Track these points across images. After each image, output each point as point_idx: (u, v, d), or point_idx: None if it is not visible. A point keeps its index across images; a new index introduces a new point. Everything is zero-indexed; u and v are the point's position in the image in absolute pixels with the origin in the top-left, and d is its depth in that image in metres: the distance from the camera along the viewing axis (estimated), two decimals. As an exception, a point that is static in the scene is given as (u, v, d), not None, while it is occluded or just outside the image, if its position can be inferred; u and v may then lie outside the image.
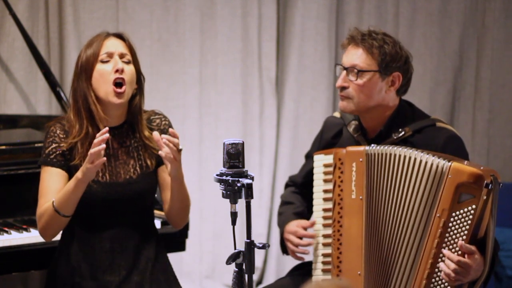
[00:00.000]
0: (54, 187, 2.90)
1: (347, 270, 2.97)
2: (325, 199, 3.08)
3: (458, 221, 2.78)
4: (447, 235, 2.80)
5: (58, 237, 3.02)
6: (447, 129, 3.07)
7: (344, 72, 3.05)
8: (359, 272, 2.96)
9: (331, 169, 3.05)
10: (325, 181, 3.08)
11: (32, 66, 4.34)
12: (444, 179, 2.79)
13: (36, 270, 3.43)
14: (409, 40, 5.06)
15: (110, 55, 2.92)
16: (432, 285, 2.83)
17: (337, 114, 3.25)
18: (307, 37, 5.00)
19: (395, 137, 3.04)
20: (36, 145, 3.51)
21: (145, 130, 2.99)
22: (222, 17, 4.89)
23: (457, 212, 2.78)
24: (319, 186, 3.10)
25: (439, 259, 2.80)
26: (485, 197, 2.74)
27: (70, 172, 2.92)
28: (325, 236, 3.07)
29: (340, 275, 2.97)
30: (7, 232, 3.27)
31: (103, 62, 2.91)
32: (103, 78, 2.89)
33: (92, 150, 2.76)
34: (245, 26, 4.94)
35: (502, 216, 2.90)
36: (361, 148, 3.00)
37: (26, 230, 3.29)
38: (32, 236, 3.26)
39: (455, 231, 2.79)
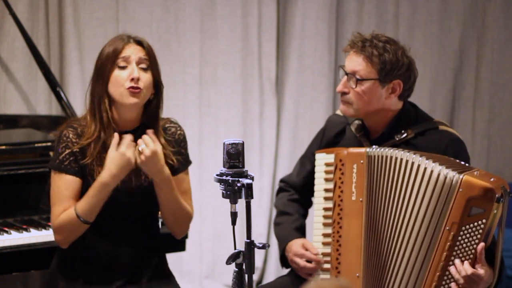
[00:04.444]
0: (69, 194, 2.91)
1: (346, 271, 2.97)
2: (326, 198, 3.07)
3: (468, 235, 2.77)
4: (456, 248, 2.78)
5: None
6: (450, 132, 3.07)
7: (346, 77, 3.05)
8: (357, 274, 2.96)
9: (332, 168, 3.05)
10: (326, 180, 3.08)
11: (32, 66, 4.34)
12: (455, 192, 2.77)
13: (36, 270, 3.42)
14: (409, 40, 5.05)
15: (127, 60, 2.89)
16: None
17: (340, 112, 3.23)
18: (307, 37, 5.00)
19: (397, 139, 3.04)
20: (36, 145, 3.51)
21: (160, 137, 2.98)
22: (222, 17, 4.89)
23: (467, 226, 2.77)
24: (320, 184, 3.10)
25: (447, 272, 2.79)
26: (495, 211, 2.74)
27: (83, 173, 2.92)
28: (325, 235, 3.07)
29: (338, 277, 2.97)
30: (7, 232, 3.27)
31: (120, 67, 2.90)
32: (118, 83, 2.88)
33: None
34: (245, 26, 4.94)
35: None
36: (362, 149, 3.00)
37: (26, 230, 3.29)
38: (32, 236, 3.26)
39: (464, 245, 2.78)
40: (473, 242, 2.77)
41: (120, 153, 2.83)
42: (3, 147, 3.47)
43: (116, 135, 2.84)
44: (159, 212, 3.12)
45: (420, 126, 3.06)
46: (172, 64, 4.82)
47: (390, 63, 2.99)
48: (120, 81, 2.88)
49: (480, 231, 2.75)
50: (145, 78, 2.91)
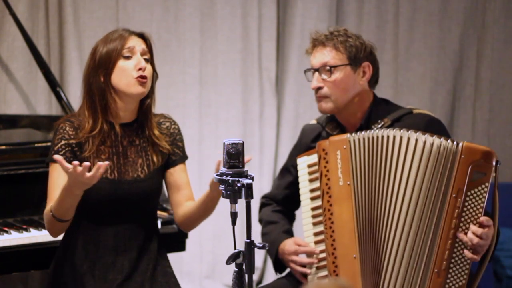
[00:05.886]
0: (61, 184, 2.88)
1: (342, 255, 2.98)
2: (313, 198, 3.09)
3: (473, 200, 2.85)
4: (463, 214, 2.85)
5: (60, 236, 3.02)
6: (425, 113, 3.14)
7: (316, 73, 3.14)
8: (354, 256, 2.97)
9: (315, 167, 3.07)
10: (311, 180, 3.10)
11: (32, 66, 4.35)
12: (457, 159, 2.85)
13: (36, 270, 3.42)
14: (409, 40, 5.06)
15: (132, 51, 2.91)
16: (452, 265, 2.86)
17: (313, 121, 3.31)
18: (307, 37, 4.96)
19: (375, 128, 3.07)
20: (36, 145, 3.51)
21: (154, 129, 2.99)
22: (222, 17, 4.89)
23: (472, 191, 2.84)
24: (305, 187, 3.11)
25: (457, 239, 2.85)
26: (494, 174, 2.84)
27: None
28: (316, 233, 3.07)
29: (336, 262, 2.98)
30: (7, 232, 3.27)
31: (125, 58, 2.91)
32: (125, 73, 2.89)
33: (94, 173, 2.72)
34: (245, 26, 4.94)
35: (502, 216, 2.92)
36: (343, 136, 3.04)
37: (26, 230, 3.29)
38: (32, 236, 3.26)
39: (471, 210, 2.85)
40: (478, 207, 2.84)
41: (73, 174, 2.71)
42: (3, 147, 3.47)
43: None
44: (159, 211, 3.13)
45: (395, 113, 3.13)
46: (172, 64, 4.82)
47: (355, 47, 3.12)
48: (127, 70, 2.89)
49: (485, 194, 2.84)
50: (149, 69, 2.94)
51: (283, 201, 3.30)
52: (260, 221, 3.37)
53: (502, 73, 5.20)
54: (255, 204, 4.88)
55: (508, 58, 5.19)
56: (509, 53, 5.18)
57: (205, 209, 2.98)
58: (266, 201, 3.38)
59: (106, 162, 2.73)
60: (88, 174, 2.70)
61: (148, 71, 2.93)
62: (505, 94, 5.22)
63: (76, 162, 2.69)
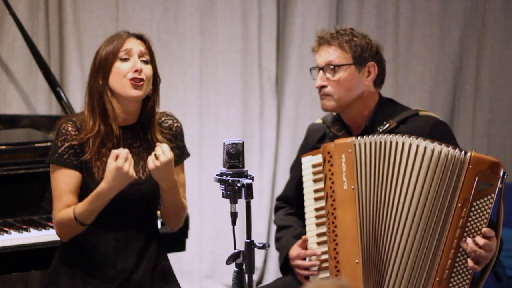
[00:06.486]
0: (69, 189, 2.91)
1: (345, 260, 2.98)
2: (316, 199, 3.08)
3: (479, 210, 2.83)
4: (468, 224, 2.83)
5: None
6: (431, 116, 3.13)
7: (321, 72, 3.13)
8: (356, 261, 2.97)
9: (320, 168, 3.06)
10: (315, 181, 3.09)
11: (32, 66, 4.35)
12: (465, 168, 2.83)
13: (36, 270, 3.42)
14: (409, 40, 5.06)
15: (129, 53, 2.91)
16: (453, 274, 2.85)
17: (319, 121, 3.30)
18: (307, 37, 5.00)
19: (380, 130, 3.07)
20: (36, 145, 3.51)
21: (157, 133, 2.99)
22: (222, 17, 4.89)
23: (478, 202, 2.83)
24: (309, 187, 3.10)
25: (461, 248, 2.84)
26: (500, 186, 2.82)
27: (82, 167, 2.93)
28: (319, 235, 3.07)
29: (338, 266, 2.98)
30: (7, 232, 3.27)
31: (122, 60, 2.91)
32: (121, 75, 2.89)
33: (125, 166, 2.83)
34: (245, 26, 4.94)
35: (504, 216, 2.92)
36: (348, 139, 3.03)
37: (26, 230, 3.29)
38: (32, 236, 3.26)
39: (476, 221, 2.83)
40: (483, 217, 2.83)
41: (117, 167, 2.82)
42: (3, 147, 3.47)
43: (114, 151, 2.85)
44: (158, 212, 3.13)
45: (401, 115, 3.12)
46: (172, 64, 4.82)
47: (361, 46, 3.11)
48: (122, 72, 2.89)
49: (490, 205, 2.82)
50: (147, 70, 2.93)
51: (296, 200, 3.28)
52: (274, 223, 3.37)
53: (502, 73, 5.20)
54: (255, 204, 4.89)
55: (508, 58, 5.19)
56: (509, 53, 5.18)
57: (167, 202, 2.99)
58: (279, 204, 3.37)
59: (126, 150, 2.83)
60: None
61: (147, 73, 2.92)
62: (505, 94, 5.22)
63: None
